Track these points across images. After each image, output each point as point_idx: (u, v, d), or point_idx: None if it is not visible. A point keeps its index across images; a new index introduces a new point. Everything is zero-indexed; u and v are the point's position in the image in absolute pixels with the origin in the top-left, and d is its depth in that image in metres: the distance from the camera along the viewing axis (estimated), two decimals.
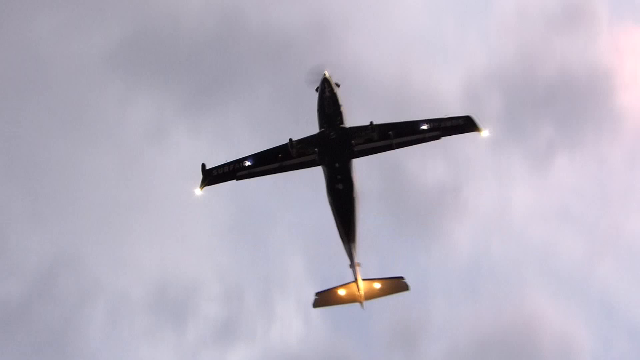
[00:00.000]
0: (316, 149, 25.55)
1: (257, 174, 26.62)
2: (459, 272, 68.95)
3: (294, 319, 63.89)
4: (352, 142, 25.46)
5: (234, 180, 29.20)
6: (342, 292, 28.05)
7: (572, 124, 69.69)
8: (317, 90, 27.65)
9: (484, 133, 27.78)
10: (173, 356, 66.05)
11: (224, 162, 30.42)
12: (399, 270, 29.66)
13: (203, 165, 31.27)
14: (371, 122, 26.91)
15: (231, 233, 69.31)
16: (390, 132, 26.45)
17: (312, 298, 30.32)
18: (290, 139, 26.75)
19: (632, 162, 71.96)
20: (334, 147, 24.50)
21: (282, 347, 64.92)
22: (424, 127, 26.59)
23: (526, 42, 70.59)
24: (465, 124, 27.44)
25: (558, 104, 70.11)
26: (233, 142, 65.18)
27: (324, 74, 25.98)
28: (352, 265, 28.83)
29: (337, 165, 25.71)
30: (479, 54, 72.83)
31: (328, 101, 25.03)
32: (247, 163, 28.44)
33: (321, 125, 26.32)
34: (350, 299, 28.67)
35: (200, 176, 30.97)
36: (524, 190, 70.33)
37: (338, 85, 27.66)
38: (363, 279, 29.06)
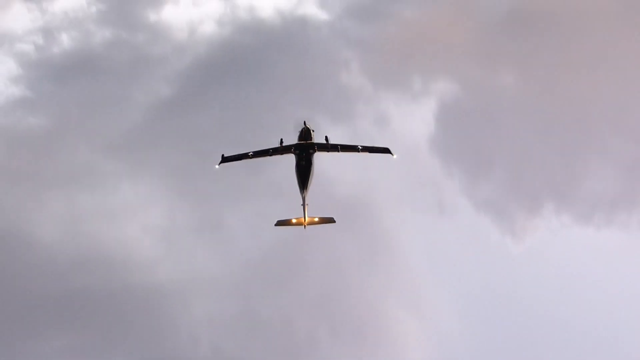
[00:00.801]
0: (294, 149, 41.79)
1: (259, 156, 41.89)
2: None
3: None
4: (314, 149, 41.63)
5: (247, 159, 42.96)
6: (294, 220, 43.19)
7: None
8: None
9: (395, 156, 41.55)
10: None
11: (240, 152, 43.68)
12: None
13: (222, 155, 43.65)
14: (326, 137, 41.59)
15: None
16: (338, 146, 42.12)
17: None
18: (281, 140, 41.34)
19: None
20: (304, 149, 41.45)
21: None
22: (359, 147, 42.39)
23: None
24: (385, 150, 42.08)
25: None
26: None
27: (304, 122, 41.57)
28: (303, 205, 42.34)
29: (304, 155, 41.55)
30: None
31: (304, 130, 40.68)
32: (251, 152, 42.33)
33: (299, 139, 41.33)
34: (298, 223, 43.34)
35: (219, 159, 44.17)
36: None
37: (312, 130, 41.14)
38: (308, 216, 43.63)
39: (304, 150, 39.70)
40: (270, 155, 40.99)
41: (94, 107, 61.80)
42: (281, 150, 39.85)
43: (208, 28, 65.71)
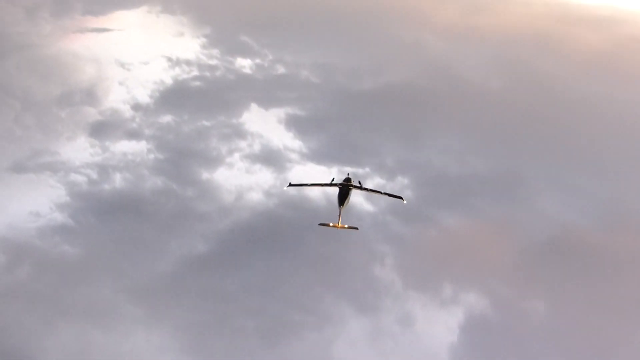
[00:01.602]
0: (340, 184, 51.31)
1: (317, 186, 51.46)
2: None
3: None
4: (351, 187, 50.63)
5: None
6: (331, 224, 50.24)
7: None
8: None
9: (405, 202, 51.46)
10: None
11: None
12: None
13: (290, 183, 52.75)
14: (359, 181, 51.19)
15: None
16: (367, 188, 51.46)
17: None
18: (333, 178, 51.07)
19: None
20: (345, 185, 50.93)
21: None
22: (381, 191, 51.80)
23: None
24: (398, 197, 51.11)
25: None
26: None
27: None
28: (339, 215, 50.26)
29: (345, 188, 50.67)
30: None
31: (348, 177, 52.08)
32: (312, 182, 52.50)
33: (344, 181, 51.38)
34: (334, 226, 50.44)
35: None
36: None
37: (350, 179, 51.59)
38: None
39: (346, 186, 49.59)
40: (323, 186, 51.32)
41: (128, 248, 62.48)
42: (332, 184, 50.36)
43: (255, 196, 67.42)
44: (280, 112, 76.25)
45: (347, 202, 50.31)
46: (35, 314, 56.72)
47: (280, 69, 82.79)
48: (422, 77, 78.44)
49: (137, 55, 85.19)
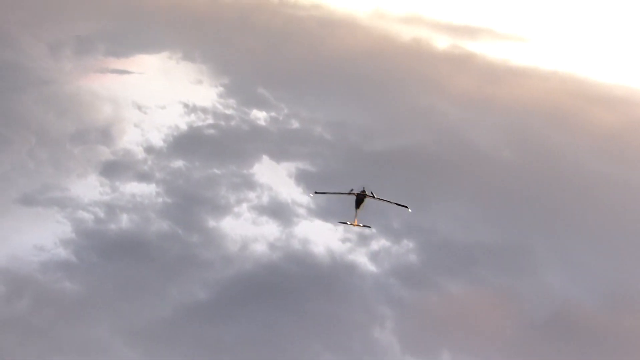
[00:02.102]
0: (357, 194, 55.59)
1: (339, 193, 55.86)
2: None
3: None
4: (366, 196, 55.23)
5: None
6: (348, 222, 56.08)
7: None
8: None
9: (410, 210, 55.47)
10: None
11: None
12: None
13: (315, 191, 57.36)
14: (371, 192, 55.42)
15: None
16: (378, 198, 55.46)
17: None
18: (352, 189, 55.31)
19: None
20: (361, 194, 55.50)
21: None
22: (390, 201, 55.52)
23: None
24: (403, 206, 55.51)
25: None
26: None
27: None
28: (355, 216, 55.79)
29: (361, 197, 55.56)
30: None
31: (362, 190, 55.41)
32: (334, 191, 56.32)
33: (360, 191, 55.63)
34: (351, 224, 56.25)
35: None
36: None
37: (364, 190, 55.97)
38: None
39: (361, 195, 54.17)
40: (342, 194, 55.83)
41: (129, 290, 62.25)
42: (351, 193, 54.89)
43: (260, 247, 67.32)
44: (291, 166, 76.72)
45: (362, 207, 55.95)
46: (30, 348, 56.31)
47: (295, 124, 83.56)
48: (434, 142, 79.00)
49: (155, 99, 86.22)
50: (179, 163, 75.71)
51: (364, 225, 56.76)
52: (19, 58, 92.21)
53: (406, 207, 56.18)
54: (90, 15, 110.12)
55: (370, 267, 64.88)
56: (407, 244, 66.51)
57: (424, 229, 67.60)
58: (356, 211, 56.40)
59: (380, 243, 66.66)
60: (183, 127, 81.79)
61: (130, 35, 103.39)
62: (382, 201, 55.86)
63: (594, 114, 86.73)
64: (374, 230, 67.10)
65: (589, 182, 73.19)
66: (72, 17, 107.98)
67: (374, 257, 65.44)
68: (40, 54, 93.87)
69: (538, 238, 67.01)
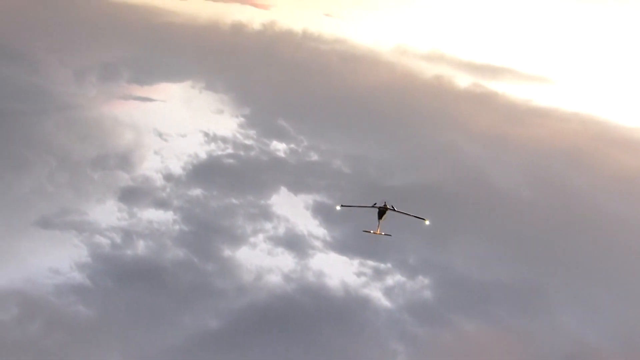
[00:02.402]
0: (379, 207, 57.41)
1: (363, 207, 58.45)
2: None
3: None
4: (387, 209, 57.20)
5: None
6: (372, 231, 57.36)
7: None
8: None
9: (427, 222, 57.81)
10: None
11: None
12: None
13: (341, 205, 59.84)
14: (392, 205, 57.64)
15: None
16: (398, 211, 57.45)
17: None
18: (375, 203, 58.00)
19: None
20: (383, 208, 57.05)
21: None
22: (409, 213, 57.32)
23: None
24: (421, 218, 57.66)
25: None
26: None
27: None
28: (378, 225, 57.84)
29: (383, 210, 57.14)
30: None
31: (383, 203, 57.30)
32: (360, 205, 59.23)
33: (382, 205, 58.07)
34: (374, 233, 57.89)
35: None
36: None
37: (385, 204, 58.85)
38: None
39: (383, 208, 56.27)
40: (366, 207, 58.73)
41: (142, 317, 62.30)
42: (374, 206, 57.67)
43: (274, 278, 67.25)
44: (308, 199, 76.81)
45: (384, 218, 60.27)
46: None
47: (314, 156, 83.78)
48: (452, 179, 78.83)
49: (176, 127, 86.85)
50: (197, 191, 76.04)
51: (385, 234, 60.50)
52: (45, 82, 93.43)
53: (424, 219, 59.71)
54: (116, 43, 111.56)
55: (385, 302, 64.57)
56: (422, 280, 66.19)
57: (440, 265, 67.29)
58: (379, 222, 60.42)
59: (395, 278, 66.38)
60: (203, 155, 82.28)
61: (154, 63, 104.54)
62: (400, 213, 60.06)
63: (613, 156, 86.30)
64: (389, 265, 67.14)
65: (606, 224, 72.66)
66: (98, 44, 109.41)
67: (389, 292, 65.12)
68: (65, 79, 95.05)
69: (554, 278, 66.49)
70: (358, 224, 72.00)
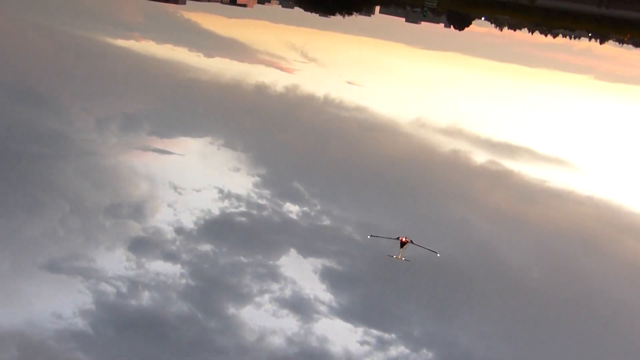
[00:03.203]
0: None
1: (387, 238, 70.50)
2: None
3: None
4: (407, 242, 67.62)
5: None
6: (395, 256, 68.75)
7: None
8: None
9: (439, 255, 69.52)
10: None
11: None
12: None
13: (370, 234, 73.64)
14: (411, 240, 69.22)
15: None
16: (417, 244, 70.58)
17: None
18: (398, 236, 70.45)
19: None
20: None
21: None
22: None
23: None
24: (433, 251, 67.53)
25: None
26: None
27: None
28: (399, 252, 68.04)
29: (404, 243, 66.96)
30: None
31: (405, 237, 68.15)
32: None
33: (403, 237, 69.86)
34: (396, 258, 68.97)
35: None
36: None
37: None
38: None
39: (404, 241, 65.75)
40: (392, 238, 71.55)
41: None
42: (397, 239, 69.77)
43: (277, 340, 66.52)
44: (317, 263, 76.52)
45: (405, 248, 70.84)
46: None
47: (326, 221, 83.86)
48: (463, 255, 78.52)
49: (191, 182, 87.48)
50: (207, 247, 76.01)
51: (405, 259, 70.77)
52: (66, 128, 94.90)
53: (436, 252, 71.41)
54: (140, 95, 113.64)
55: None
56: (427, 353, 65.21)
57: (445, 340, 66.43)
58: (400, 250, 71.35)
59: (399, 350, 65.48)
60: (215, 211, 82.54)
61: (176, 117, 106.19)
62: (417, 246, 72.05)
63: (626, 243, 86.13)
64: (393, 335, 66.40)
65: (616, 312, 71.94)
66: (122, 94, 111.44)
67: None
68: (87, 126, 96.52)
69: None
70: (366, 294, 71.78)
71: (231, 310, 68.59)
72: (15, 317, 62.81)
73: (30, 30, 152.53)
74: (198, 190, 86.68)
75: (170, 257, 74.10)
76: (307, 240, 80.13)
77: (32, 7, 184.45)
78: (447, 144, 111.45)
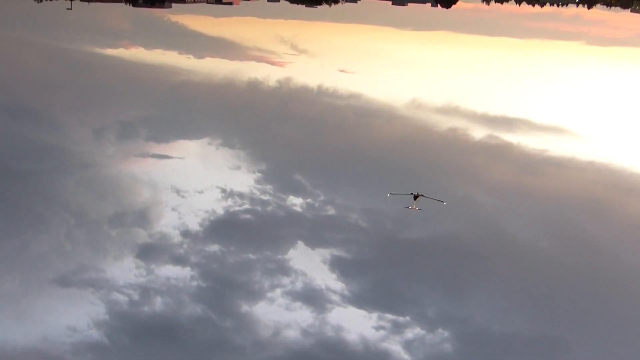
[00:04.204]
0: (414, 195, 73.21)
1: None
2: None
3: None
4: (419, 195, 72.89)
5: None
6: (410, 207, 75.01)
7: None
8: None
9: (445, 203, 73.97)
10: None
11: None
12: None
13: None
14: (422, 193, 75.18)
15: None
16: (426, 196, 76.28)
17: None
18: (412, 192, 77.54)
19: None
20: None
21: None
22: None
23: None
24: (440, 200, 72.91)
25: None
26: None
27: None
28: (414, 202, 73.48)
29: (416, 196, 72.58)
30: None
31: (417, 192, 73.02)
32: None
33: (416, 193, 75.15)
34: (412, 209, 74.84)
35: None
36: None
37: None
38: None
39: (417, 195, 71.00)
40: (407, 194, 78.52)
41: None
42: (411, 194, 76.51)
43: (292, 333, 66.62)
44: (325, 253, 76.55)
45: (417, 201, 77.67)
46: None
47: (330, 210, 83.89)
48: (469, 231, 78.51)
49: (193, 184, 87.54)
50: (214, 247, 76.08)
51: (418, 209, 78.09)
52: (63, 141, 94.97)
53: (442, 201, 78.72)
54: (133, 102, 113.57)
55: (405, 356, 63.57)
56: (442, 333, 65.31)
57: (460, 318, 66.49)
58: (414, 202, 78.43)
59: (414, 332, 65.57)
60: (220, 211, 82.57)
61: (172, 121, 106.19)
62: (426, 197, 77.74)
63: (630, 204, 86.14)
64: (408, 318, 66.50)
65: (626, 274, 71.95)
66: (116, 103, 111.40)
67: (408, 345, 64.23)
68: (83, 138, 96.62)
69: (576, 331, 65.47)
70: (377, 279, 71.81)
71: (244, 307, 68.69)
72: (30, 334, 62.93)
73: (18, 46, 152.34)
74: (200, 192, 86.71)
75: (179, 260, 74.20)
76: (314, 231, 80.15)
77: (18, 24, 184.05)
78: (445, 123, 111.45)
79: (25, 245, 73.74)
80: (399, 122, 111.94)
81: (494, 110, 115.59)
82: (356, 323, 68.37)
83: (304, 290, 72.93)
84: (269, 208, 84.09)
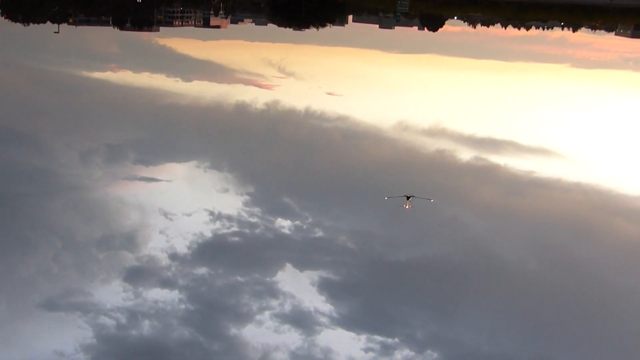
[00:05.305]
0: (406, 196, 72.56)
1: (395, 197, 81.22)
2: None
3: None
4: (411, 196, 76.04)
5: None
6: (404, 206, 74.73)
7: None
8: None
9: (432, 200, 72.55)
10: None
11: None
12: None
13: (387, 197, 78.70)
14: (413, 195, 74.94)
15: None
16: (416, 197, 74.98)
17: None
18: (405, 194, 75.43)
19: None
20: (408, 196, 76.28)
21: None
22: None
23: None
24: (427, 199, 71.02)
25: None
26: None
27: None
28: (406, 203, 72.64)
29: (408, 197, 75.16)
30: None
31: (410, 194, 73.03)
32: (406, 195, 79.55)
33: (409, 194, 75.82)
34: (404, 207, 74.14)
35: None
36: None
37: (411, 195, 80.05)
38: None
39: (409, 196, 71.72)
40: (401, 196, 79.47)
41: None
42: (404, 195, 77.02)
43: (281, 356, 65.99)
44: (314, 275, 76.23)
45: (410, 200, 78.90)
46: None
47: (319, 232, 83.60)
48: (458, 253, 78.53)
49: (181, 207, 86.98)
50: (202, 270, 75.64)
51: (410, 207, 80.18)
52: (50, 165, 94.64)
53: (430, 199, 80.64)
54: (121, 125, 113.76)
55: None
56: (431, 354, 64.98)
57: (448, 340, 66.29)
58: (407, 201, 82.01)
59: (403, 353, 65.24)
60: (208, 234, 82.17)
61: (160, 144, 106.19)
62: (419, 198, 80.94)
63: (617, 225, 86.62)
64: (397, 339, 66.23)
65: (613, 295, 72.05)
66: (103, 126, 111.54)
67: None
68: (70, 161, 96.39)
69: (564, 352, 65.54)
70: (366, 301, 71.90)
71: (233, 330, 68.26)
72: (16, 359, 62.36)
73: (5, 69, 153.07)
74: (189, 215, 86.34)
75: (167, 283, 73.75)
76: (302, 253, 79.89)
77: (5, 46, 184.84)
78: (432, 145, 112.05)
79: (11, 269, 73.02)
80: (386, 144, 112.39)
81: (481, 132, 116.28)
82: (345, 345, 67.94)
83: (292, 312, 72.47)
84: (257, 230, 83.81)
